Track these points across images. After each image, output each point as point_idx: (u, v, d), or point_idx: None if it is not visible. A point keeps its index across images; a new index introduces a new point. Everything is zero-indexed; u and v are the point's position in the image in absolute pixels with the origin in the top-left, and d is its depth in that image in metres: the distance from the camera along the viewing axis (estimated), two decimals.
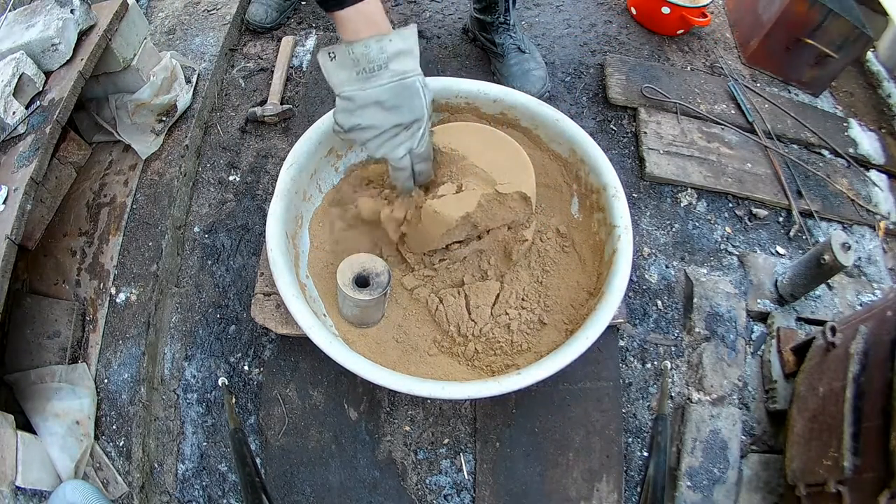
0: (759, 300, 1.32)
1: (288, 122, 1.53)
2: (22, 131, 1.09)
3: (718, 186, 1.46)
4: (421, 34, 1.72)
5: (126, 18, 1.25)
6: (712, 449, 1.13)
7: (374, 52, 0.83)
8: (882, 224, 1.51)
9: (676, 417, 1.18)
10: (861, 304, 1.37)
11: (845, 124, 1.67)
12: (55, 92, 1.12)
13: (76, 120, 1.40)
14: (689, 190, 1.47)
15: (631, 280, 1.05)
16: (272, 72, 1.60)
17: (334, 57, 0.85)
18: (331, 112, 1.15)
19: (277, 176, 1.08)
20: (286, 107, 1.51)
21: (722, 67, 1.72)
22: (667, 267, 1.37)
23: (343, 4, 0.82)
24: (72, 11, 1.14)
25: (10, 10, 1.20)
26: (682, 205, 1.46)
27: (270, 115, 1.49)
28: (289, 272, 0.99)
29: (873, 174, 1.59)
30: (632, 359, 1.26)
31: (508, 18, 1.54)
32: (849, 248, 1.17)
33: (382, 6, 0.86)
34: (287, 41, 1.64)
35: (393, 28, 0.85)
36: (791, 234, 1.45)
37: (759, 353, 1.27)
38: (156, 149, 1.40)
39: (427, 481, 1.13)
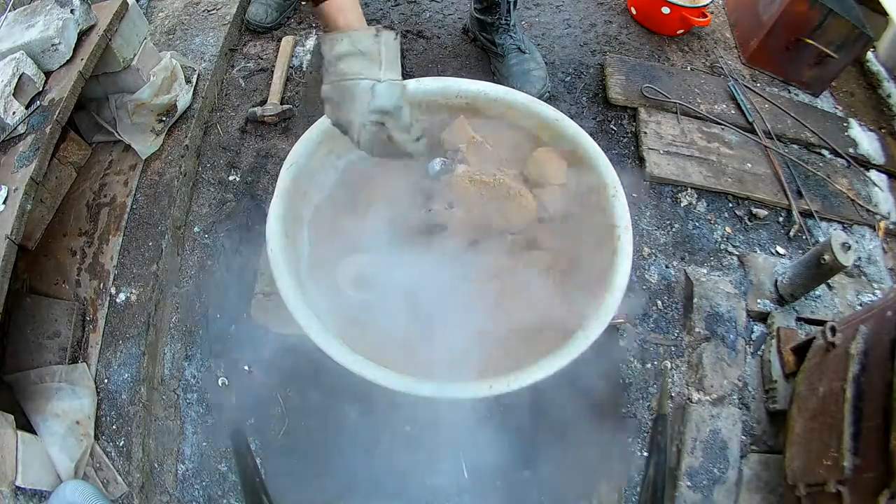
0: (759, 300, 1.32)
1: (288, 122, 1.53)
2: (22, 131, 1.09)
3: (718, 186, 1.46)
4: (421, 34, 1.72)
5: (126, 18, 1.25)
6: (712, 449, 1.13)
7: (325, 51, 0.86)
8: (882, 224, 1.51)
9: (676, 417, 1.18)
10: (861, 304, 1.37)
11: (845, 124, 1.67)
12: (55, 92, 1.12)
13: (76, 120, 1.40)
14: (689, 190, 1.47)
15: (631, 280, 1.05)
16: (272, 72, 1.60)
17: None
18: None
19: (277, 176, 1.08)
20: (286, 107, 1.51)
21: (722, 67, 1.72)
22: (667, 267, 1.37)
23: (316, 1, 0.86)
24: (72, 11, 1.14)
25: (10, 10, 1.20)
26: (682, 205, 1.46)
27: (270, 115, 1.50)
28: (289, 272, 0.99)
29: (873, 174, 1.59)
30: (632, 359, 1.25)
31: (509, 19, 1.54)
32: (849, 248, 1.17)
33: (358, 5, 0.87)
34: (287, 41, 1.64)
35: (373, 28, 0.86)
36: (791, 234, 1.45)
37: (759, 353, 1.27)
38: (156, 149, 1.40)
39: (427, 481, 1.13)
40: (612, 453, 1.14)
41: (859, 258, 1.45)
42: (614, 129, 1.57)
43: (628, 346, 1.26)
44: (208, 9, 1.68)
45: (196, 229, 1.38)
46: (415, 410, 1.18)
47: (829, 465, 0.92)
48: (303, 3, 1.04)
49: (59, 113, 1.09)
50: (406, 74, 1.64)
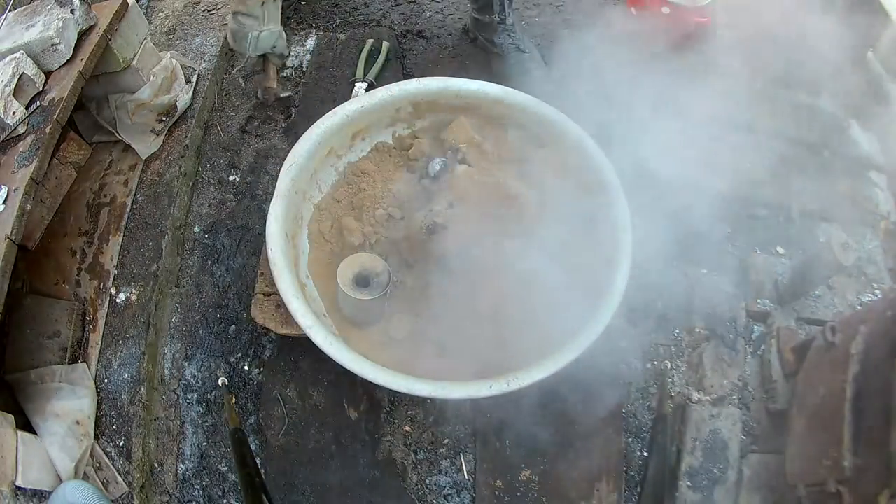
0: (759, 300, 1.32)
1: (288, 121, 1.53)
2: (22, 131, 1.09)
3: (719, 186, 1.46)
4: (421, 34, 1.72)
5: (126, 18, 1.25)
6: (712, 449, 1.13)
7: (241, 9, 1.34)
8: (882, 224, 1.51)
9: (676, 417, 1.18)
10: (861, 304, 1.37)
11: (845, 124, 1.67)
12: (55, 92, 1.12)
13: (76, 120, 1.40)
14: (690, 190, 1.47)
15: (631, 280, 1.05)
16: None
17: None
18: (331, 112, 1.16)
19: (277, 176, 1.08)
20: (289, 92, 1.53)
21: (721, 67, 1.71)
22: (667, 267, 1.37)
23: None
24: (72, 11, 1.14)
25: (10, 10, 1.20)
26: (682, 205, 1.46)
27: (275, 91, 1.50)
28: (289, 272, 0.99)
29: (873, 174, 1.59)
30: (632, 359, 1.25)
31: (505, 18, 1.53)
32: (849, 248, 1.17)
33: None
34: None
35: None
36: (791, 234, 1.44)
37: (759, 353, 1.27)
38: (156, 149, 1.40)
39: (427, 481, 1.13)
40: (613, 453, 1.14)
41: (859, 258, 1.45)
42: None
43: (628, 346, 1.26)
44: (208, 9, 1.68)
45: (196, 229, 1.38)
46: (414, 409, 1.18)
47: (829, 465, 0.92)
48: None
49: (59, 113, 1.09)
50: (406, 74, 1.64)
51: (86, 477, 1.07)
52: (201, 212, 1.40)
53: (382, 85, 1.21)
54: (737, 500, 1.11)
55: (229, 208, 1.41)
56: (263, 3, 1.35)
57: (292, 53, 1.66)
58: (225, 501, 1.12)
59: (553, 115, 1.18)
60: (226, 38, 1.60)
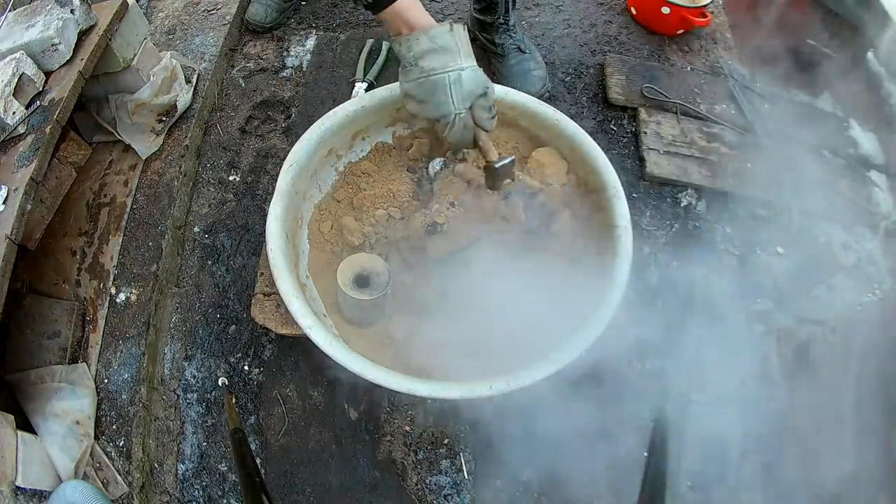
0: (759, 300, 1.32)
1: (288, 121, 1.53)
2: (22, 131, 1.09)
3: (718, 186, 1.46)
4: None
5: (126, 18, 1.25)
6: (712, 449, 1.13)
7: (404, 51, 0.92)
8: (882, 224, 1.51)
9: (676, 417, 1.18)
10: (861, 304, 1.37)
11: (845, 124, 1.67)
12: (55, 92, 1.12)
13: (76, 120, 1.40)
14: (689, 190, 1.47)
15: (630, 280, 1.05)
16: (274, 72, 1.60)
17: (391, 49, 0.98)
18: (331, 112, 1.16)
19: (277, 176, 1.08)
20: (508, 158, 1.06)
21: (722, 67, 1.71)
22: (667, 267, 1.37)
23: (378, 7, 0.93)
24: (72, 11, 1.14)
25: (10, 10, 1.20)
26: (682, 205, 1.46)
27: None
28: (289, 272, 0.99)
29: (873, 174, 1.59)
30: (632, 358, 1.25)
31: (508, 19, 1.53)
32: (849, 248, 1.17)
33: (420, 3, 0.94)
34: None
35: (437, 23, 0.94)
36: (791, 233, 1.45)
37: (758, 352, 1.27)
38: (156, 149, 1.40)
39: (427, 481, 1.13)
40: (613, 453, 1.14)
41: (859, 258, 1.45)
42: (614, 129, 1.57)
43: (629, 345, 1.26)
44: (208, 9, 1.68)
45: (196, 229, 1.38)
46: (414, 409, 1.18)
47: (829, 465, 0.92)
48: (360, 9, 1.11)
49: (59, 113, 1.09)
50: None
51: (86, 477, 1.07)
52: (201, 212, 1.40)
53: (382, 85, 1.21)
54: (737, 500, 1.11)
55: (229, 208, 1.41)
56: (451, 28, 0.92)
57: (292, 53, 1.66)
58: (225, 501, 1.12)
59: (553, 115, 1.18)
60: (226, 37, 1.61)
